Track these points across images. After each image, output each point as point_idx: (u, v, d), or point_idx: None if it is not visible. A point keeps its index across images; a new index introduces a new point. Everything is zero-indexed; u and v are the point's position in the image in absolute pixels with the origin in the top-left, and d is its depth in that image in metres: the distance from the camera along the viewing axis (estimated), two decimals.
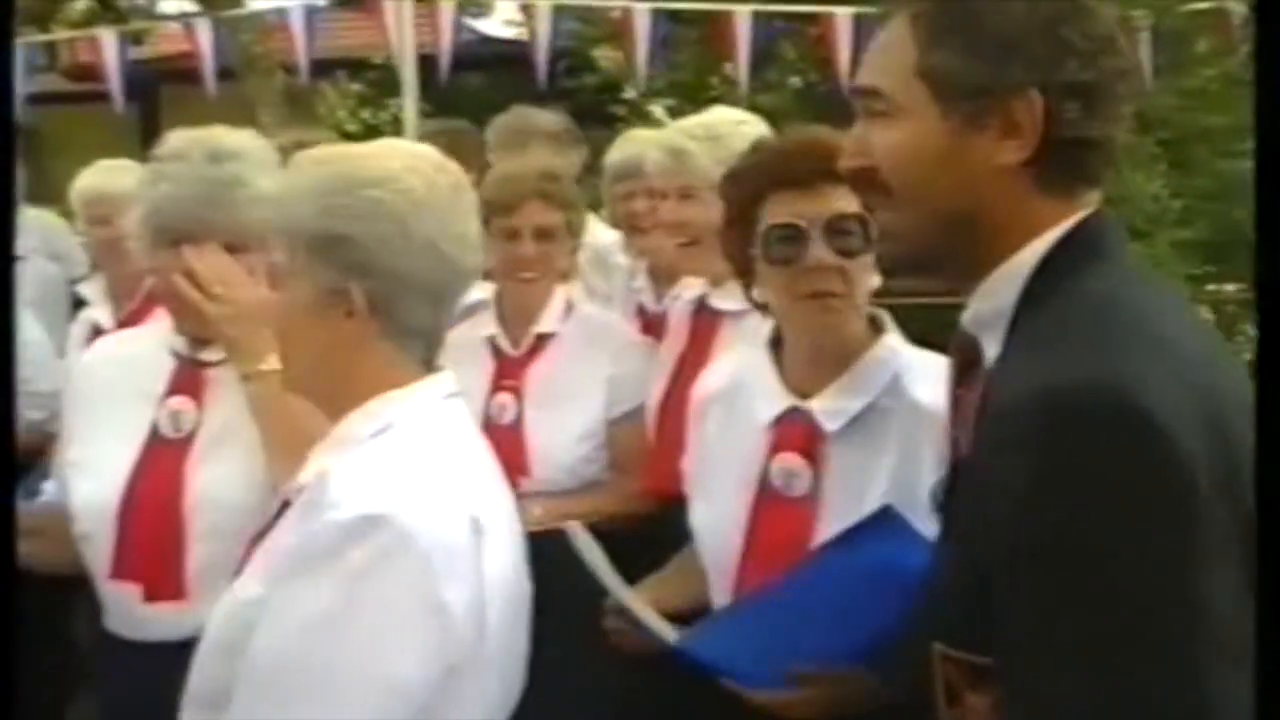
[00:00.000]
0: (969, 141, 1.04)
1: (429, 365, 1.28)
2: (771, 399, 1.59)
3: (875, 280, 1.56)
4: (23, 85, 4.82)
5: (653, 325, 2.56)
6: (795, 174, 1.55)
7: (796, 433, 1.56)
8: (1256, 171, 1.00)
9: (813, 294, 1.53)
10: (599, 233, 3.04)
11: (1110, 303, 0.98)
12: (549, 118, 3.41)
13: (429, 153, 1.28)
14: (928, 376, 1.53)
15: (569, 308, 2.34)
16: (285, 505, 1.26)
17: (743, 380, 1.66)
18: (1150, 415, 0.88)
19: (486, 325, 2.33)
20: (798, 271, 1.53)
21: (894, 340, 1.60)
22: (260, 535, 1.28)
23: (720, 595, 1.62)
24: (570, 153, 3.32)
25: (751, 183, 1.60)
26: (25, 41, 4.96)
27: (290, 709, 1.09)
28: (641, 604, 1.60)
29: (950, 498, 1.11)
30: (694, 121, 2.32)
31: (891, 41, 1.08)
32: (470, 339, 2.28)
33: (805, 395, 1.58)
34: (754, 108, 6.03)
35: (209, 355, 1.76)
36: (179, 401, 1.73)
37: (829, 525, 1.50)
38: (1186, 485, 0.88)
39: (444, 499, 1.16)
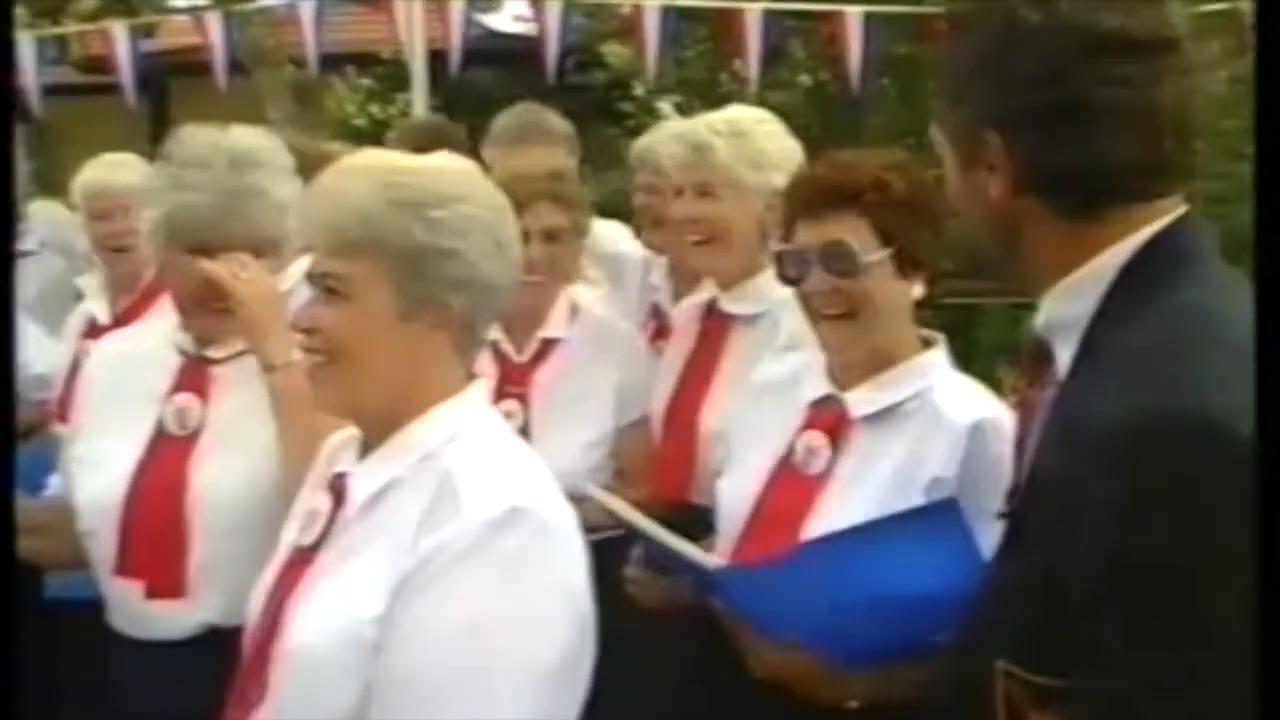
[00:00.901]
0: (971, 178, 1.07)
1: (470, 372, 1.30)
2: (815, 386, 1.69)
3: (916, 290, 1.66)
4: (36, 78, 4.84)
5: (666, 328, 2.52)
6: (805, 203, 1.68)
7: (827, 415, 1.66)
8: (1256, 172, 0.99)
9: (819, 315, 1.66)
10: (603, 230, 3.03)
11: (1200, 316, 0.97)
12: (548, 116, 3.37)
13: (472, 166, 1.31)
14: (960, 397, 1.62)
15: (574, 311, 2.29)
16: (332, 520, 1.24)
17: (796, 372, 1.76)
18: (1247, 442, 0.88)
19: None
20: (807, 294, 1.67)
21: (937, 358, 1.67)
22: (309, 549, 1.24)
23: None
24: (570, 151, 3.29)
25: (786, 208, 1.74)
26: (38, 34, 4.97)
27: (461, 711, 1.11)
28: (675, 537, 1.62)
29: (1019, 509, 1.09)
30: (718, 117, 2.27)
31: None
32: None
33: (845, 389, 1.67)
34: (763, 105, 6.03)
35: (215, 352, 1.76)
36: (185, 399, 1.73)
37: (830, 505, 1.58)
38: None
39: (556, 490, 1.22)
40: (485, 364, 2.19)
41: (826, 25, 5.14)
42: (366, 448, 1.27)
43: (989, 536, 1.45)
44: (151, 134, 7.41)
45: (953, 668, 1.19)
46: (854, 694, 1.49)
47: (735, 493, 1.70)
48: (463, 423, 1.23)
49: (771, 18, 4.90)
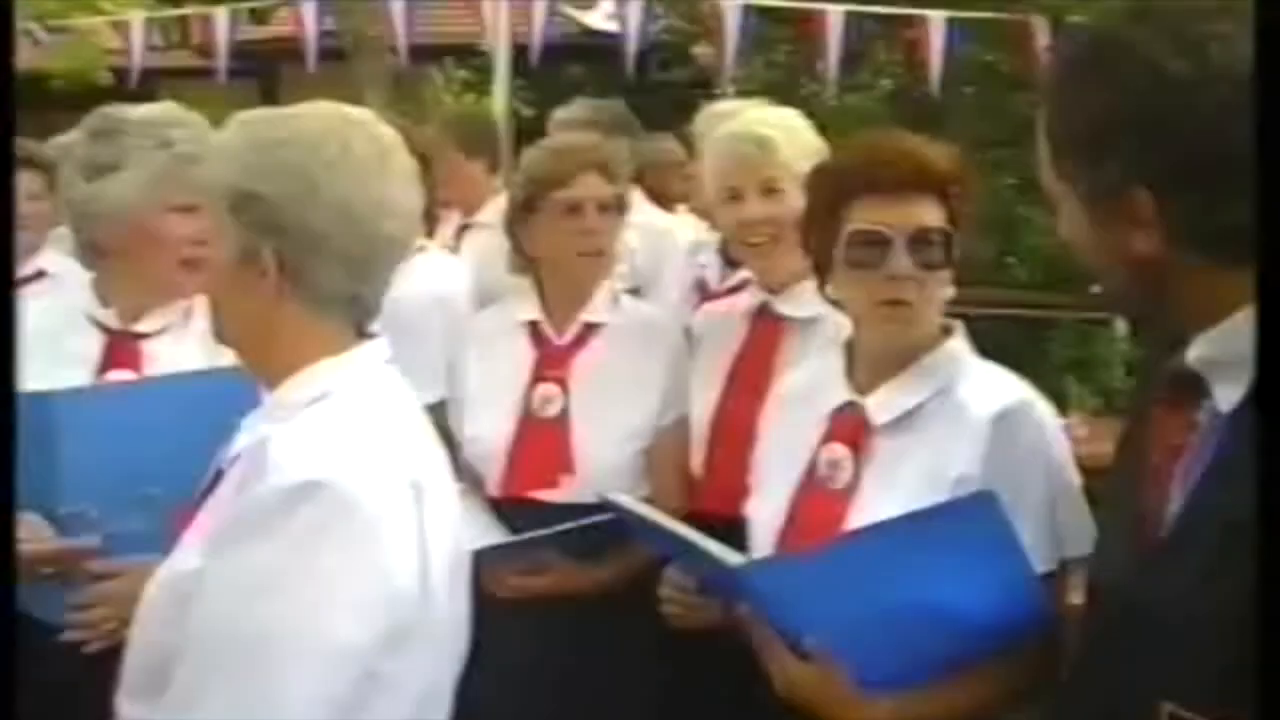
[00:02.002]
0: (1108, 232, 1.02)
1: (362, 332, 1.27)
2: (835, 393, 1.62)
3: (949, 291, 1.59)
4: (155, 59, 5.08)
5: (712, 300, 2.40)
6: (885, 180, 1.55)
7: (847, 424, 1.59)
8: (1257, 171, 0.95)
9: (888, 301, 1.55)
10: (650, 213, 3.05)
11: None
12: (609, 106, 3.46)
13: (360, 116, 1.27)
14: (983, 387, 1.55)
15: (615, 298, 2.19)
16: (218, 476, 1.25)
17: (817, 378, 1.69)
18: None
19: (525, 309, 2.15)
20: (878, 278, 1.54)
21: (958, 348, 1.61)
22: (193, 507, 1.25)
23: None
24: (623, 142, 3.37)
25: (841, 182, 1.60)
26: (150, 16, 5.22)
27: (234, 677, 1.08)
28: (696, 533, 1.53)
29: (1179, 538, 1.02)
30: (765, 114, 2.18)
31: (1039, 135, 1.07)
32: (503, 323, 2.18)
33: (865, 393, 1.60)
34: (842, 108, 6.04)
35: (145, 327, 1.76)
36: (122, 376, 1.73)
37: (858, 520, 1.50)
38: None
39: (385, 464, 1.16)
40: (524, 345, 2.13)
41: (908, 29, 5.12)
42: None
43: (1029, 529, 1.42)
44: None
45: (1069, 710, 1.14)
46: (881, 717, 1.39)
47: (764, 512, 1.63)
48: (332, 384, 1.20)
49: (852, 20, 4.91)
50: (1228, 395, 1.01)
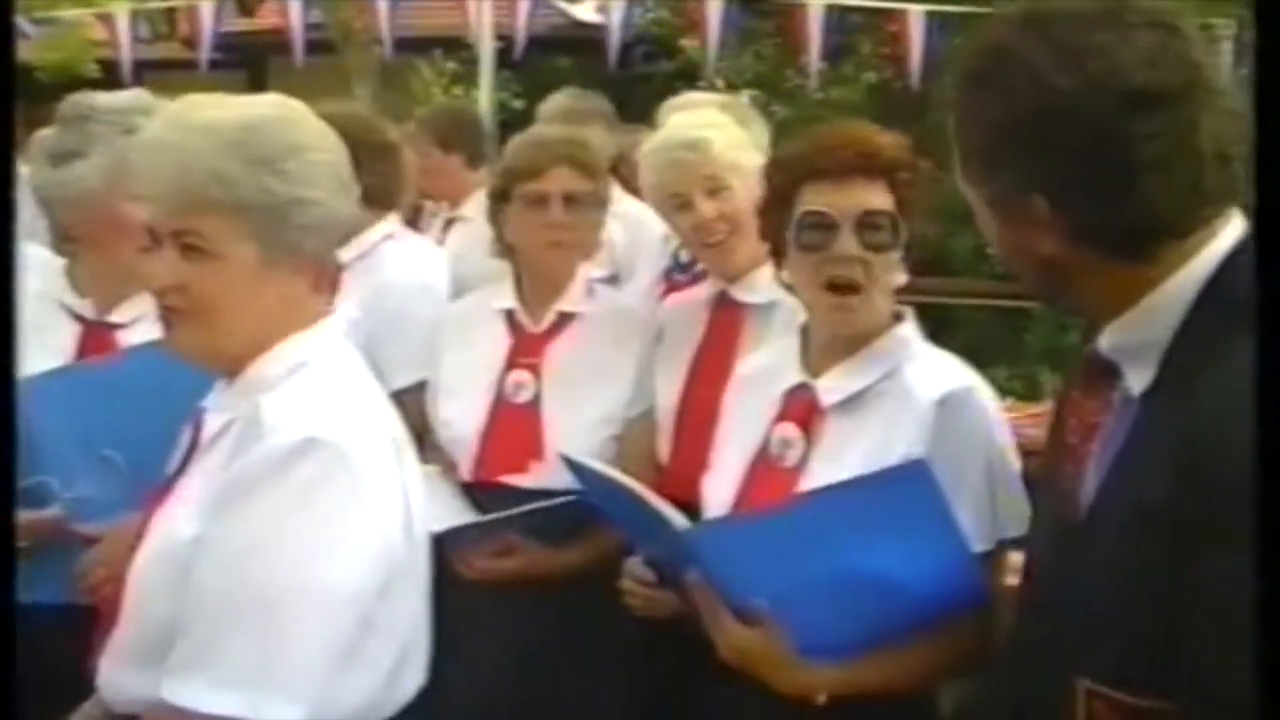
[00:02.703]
0: (1013, 232, 1.07)
1: (321, 306, 1.32)
2: (788, 375, 1.66)
3: (900, 277, 1.63)
4: (143, 52, 5.08)
5: (677, 289, 2.46)
6: (833, 166, 1.60)
7: (798, 405, 1.63)
8: (1257, 171, 0.97)
9: (835, 282, 1.59)
10: (630, 203, 3.09)
11: None
12: (588, 98, 3.52)
13: (298, 105, 1.32)
14: (929, 372, 1.60)
15: (590, 288, 2.21)
16: (192, 449, 1.30)
17: (773, 361, 1.73)
18: None
19: (503, 297, 2.20)
20: (824, 259, 1.59)
21: (908, 332, 1.65)
22: (167, 483, 1.29)
23: None
24: (608, 134, 3.42)
25: (792, 169, 1.65)
26: (135, 8, 5.23)
27: (249, 629, 1.14)
28: (650, 493, 1.58)
29: (1093, 519, 1.06)
30: (694, 118, 2.23)
31: (953, 141, 1.11)
32: (482, 311, 2.21)
33: (817, 375, 1.64)
34: (826, 101, 6.08)
35: (119, 317, 1.77)
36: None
37: None
38: None
39: (369, 422, 1.25)
40: (500, 333, 2.16)
41: (889, 23, 5.17)
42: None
43: (969, 510, 1.48)
44: None
45: (999, 685, 1.17)
46: (821, 685, 1.45)
47: (718, 488, 1.67)
48: (307, 355, 1.27)
49: (834, 14, 4.95)
50: (1138, 379, 1.06)
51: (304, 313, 1.29)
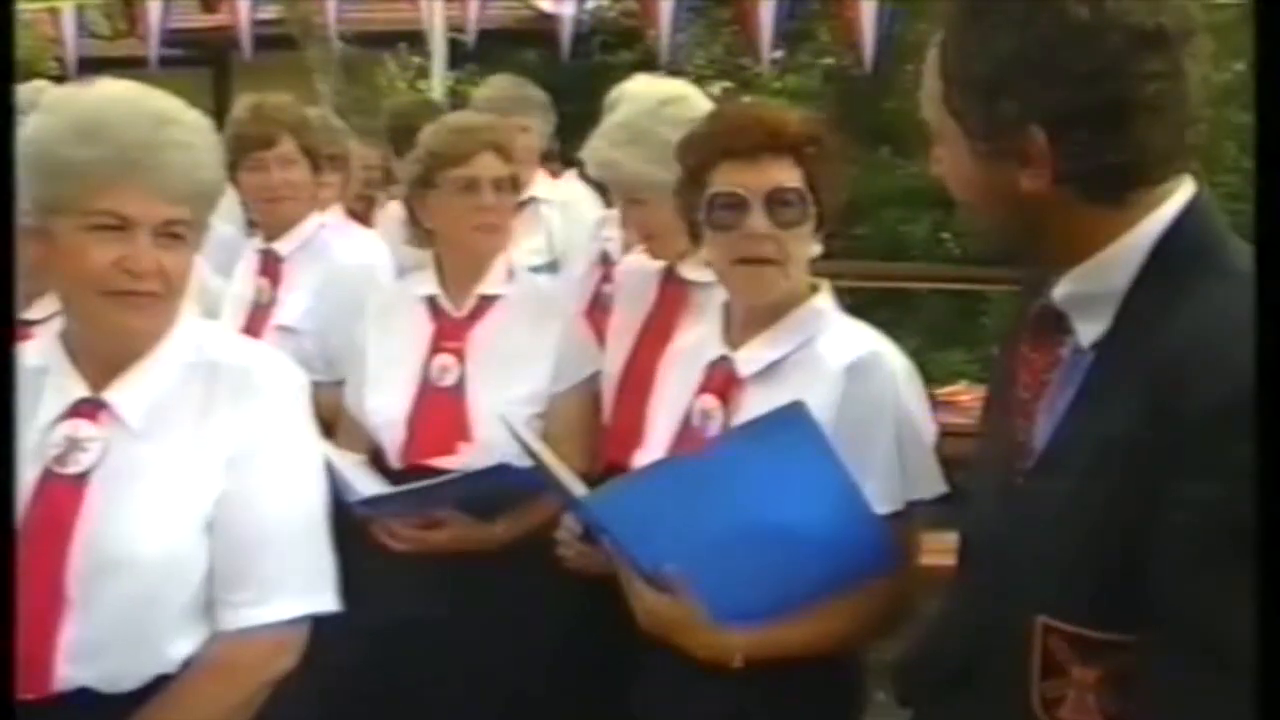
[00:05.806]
0: (995, 169, 1.07)
1: None
2: (711, 349, 1.70)
3: (814, 249, 1.66)
4: (105, 49, 5.06)
5: (612, 276, 2.47)
6: (741, 145, 1.63)
7: (718, 377, 1.67)
8: (1257, 172, 1.00)
9: (748, 259, 1.62)
10: (567, 190, 3.10)
11: (1242, 285, 0.98)
12: (525, 87, 3.55)
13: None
14: (840, 340, 1.63)
15: (510, 272, 2.25)
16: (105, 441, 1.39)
17: (701, 336, 1.77)
18: None
19: (425, 284, 2.23)
20: (737, 237, 1.62)
21: (822, 304, 1.68)
22: (79, 476, 1.37)
23: None
24: (545, 119, 3.45)
25: (703, 150, 1.68)
26: (79, 4, 5.18)
27: (301, 552, 1.41)
28: (558, 462, 1.64)
29: (1047, 467, 1.09)
30: (616, 123, 2.19)
31: (930, 73, 1.12)
32: (405, 298, 2.25)
33: (737, 348, 1.68)
34: (782, 88, 6.09)
35: (35, 314, 1.79)
36: None
37: None
38: None
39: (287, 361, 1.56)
40: (423, 319, 2.19)
41: (841, 8, 5.17)
42: (108, 369, 1.39)
43: (878, 471, 1.53)
44: (215, 108, 7.63)
45: (946, 633, 1.20)
46: (735, 648, 1.48)
47: (645, 461, 1.69)
48: (195, 325, 1.46)
49: (785, 3, 4.96)
50: (1089, 331, 1.09)
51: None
